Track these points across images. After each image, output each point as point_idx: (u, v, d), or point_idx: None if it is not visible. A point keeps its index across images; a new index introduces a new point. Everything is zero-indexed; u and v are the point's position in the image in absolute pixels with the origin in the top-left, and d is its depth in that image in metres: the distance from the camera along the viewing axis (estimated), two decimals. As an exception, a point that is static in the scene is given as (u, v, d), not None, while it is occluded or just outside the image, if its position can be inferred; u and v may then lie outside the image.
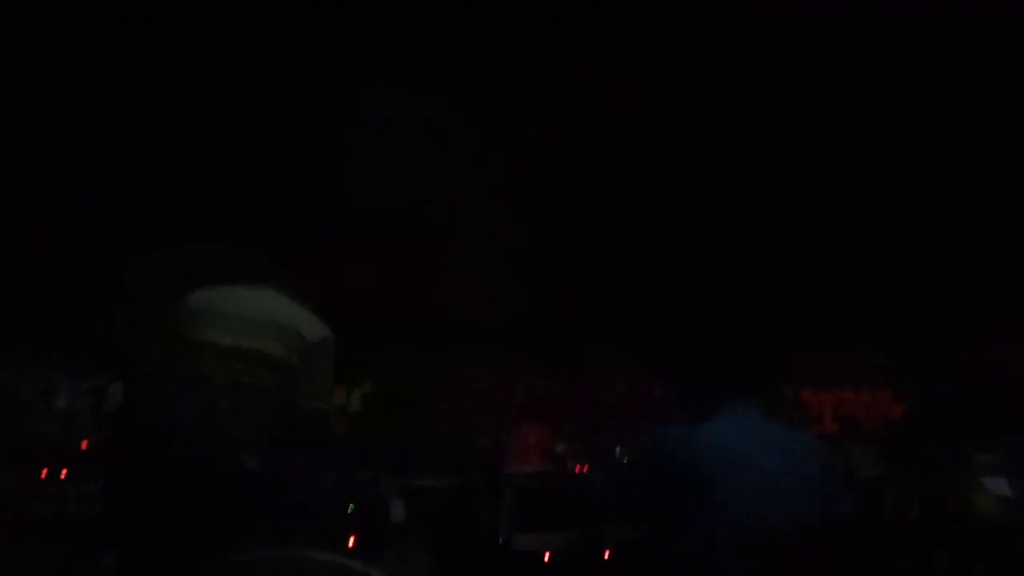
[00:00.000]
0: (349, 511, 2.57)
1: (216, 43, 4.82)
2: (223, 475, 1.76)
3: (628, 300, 5.06)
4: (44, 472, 3.61)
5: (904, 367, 5.14)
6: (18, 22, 4.67)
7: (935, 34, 5.20)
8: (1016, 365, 4.06)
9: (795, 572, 1.96)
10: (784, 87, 5.38)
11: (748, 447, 2.11)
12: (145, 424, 1.81)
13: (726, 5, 5.27)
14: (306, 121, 5.03)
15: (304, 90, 5.11)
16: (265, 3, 4.99)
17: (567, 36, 5.24)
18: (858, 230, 6.90)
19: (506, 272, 5.80)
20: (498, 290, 6.03)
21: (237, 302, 2.20)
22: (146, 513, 1.98)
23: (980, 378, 3.99)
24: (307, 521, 1.99)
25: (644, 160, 5.36)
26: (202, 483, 1.78)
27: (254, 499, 1.77)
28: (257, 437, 1.82)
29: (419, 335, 6.74)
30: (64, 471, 3.66)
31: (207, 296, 2.28)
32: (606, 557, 3.18)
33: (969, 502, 2.54)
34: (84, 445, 3.91)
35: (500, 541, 3.16)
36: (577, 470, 3.40)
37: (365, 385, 3.86)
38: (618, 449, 3.53)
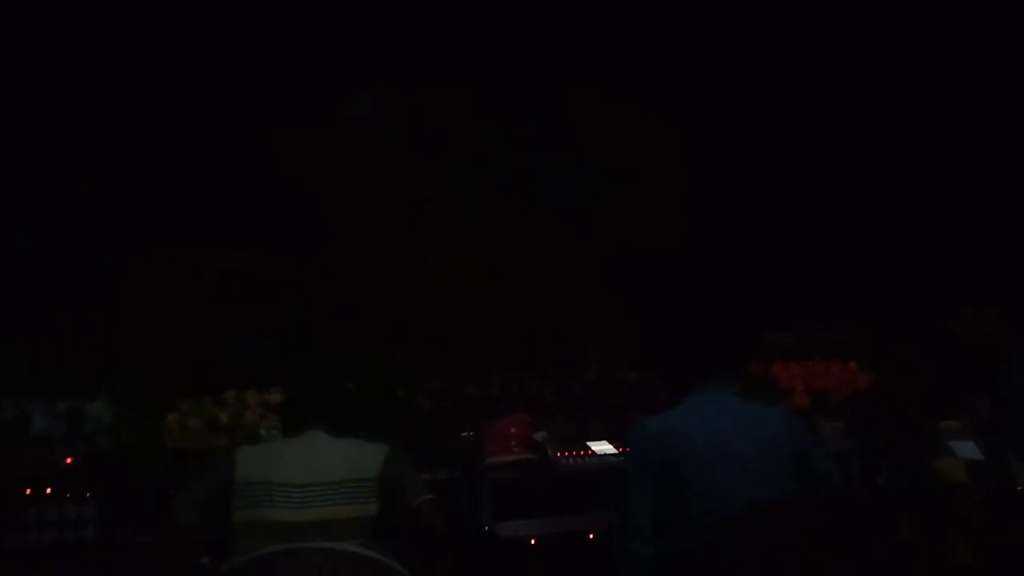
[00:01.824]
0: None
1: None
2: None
3: (598, 287, 5.14)
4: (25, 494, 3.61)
5: (871, 337, 5.26)
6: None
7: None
8: (979, 333, 4.17)
9: (777, 550, 2.02)
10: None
11: (725, 428, 2.17)
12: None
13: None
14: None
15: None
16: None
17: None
18: (823, 203, 7.03)
19: (485, 270, 5.84)
20: (479, 289, 6.08)
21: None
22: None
23: (945, 346, 4.08)
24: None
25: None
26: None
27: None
28: None
29: (399, 334, 6.77)
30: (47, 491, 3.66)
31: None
32: (591, 539, 3.27)
33: (939, 468, 2.58)
34: (67, 462, 3.90)
35: (485, 529, 3.23)
36: (558, 456, 3.47)
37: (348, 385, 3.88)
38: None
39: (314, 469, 2.24)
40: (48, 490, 3.61)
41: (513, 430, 3.49)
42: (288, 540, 1.97)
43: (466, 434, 3.68)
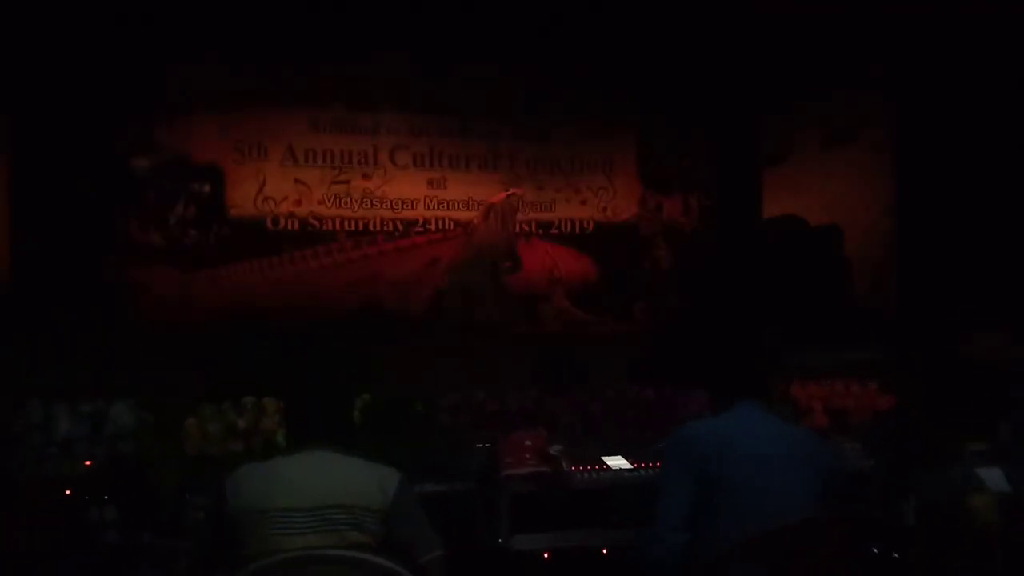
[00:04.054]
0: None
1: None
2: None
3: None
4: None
5: (892, 359, 5.23)
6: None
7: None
8: (1003, 356, 4.13)
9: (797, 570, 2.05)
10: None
11: (765, 442, 2.23)
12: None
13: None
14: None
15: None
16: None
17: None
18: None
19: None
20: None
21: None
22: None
23: (967, 369, 4.05)
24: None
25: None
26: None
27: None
28: None
29: (418, 345, 6.83)
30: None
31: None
32: (604, 554, 3.26)
33: (972, 508, 2.54)
34: (87, 464, 3.94)
35: (499, 542, 3.24)
36: (573, 470, 3.48)
37: (363, 397, 3.92)
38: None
39: (314, 492, 2.15)
40: (68, 492, 3.65)
41: (529, 443, 3.50)
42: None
43: (481, 446, 3.69)
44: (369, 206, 7.62)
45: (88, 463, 3.86)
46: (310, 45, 7.51)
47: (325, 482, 2.15)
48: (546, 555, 3.28)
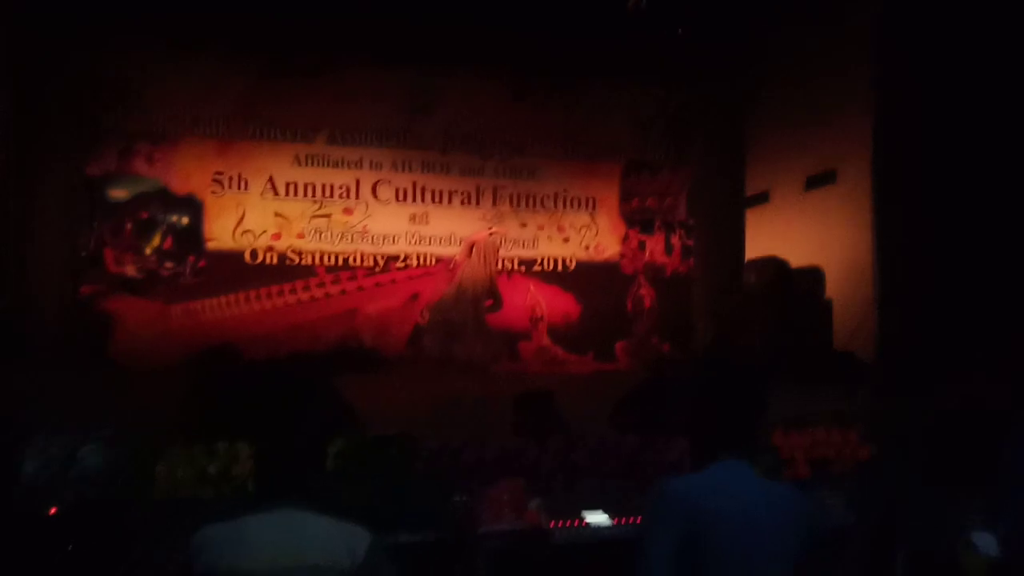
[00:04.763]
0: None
1: None
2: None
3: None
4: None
5: (873, 404, 5.21)
6: None
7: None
8: (991, 403, 4.10)
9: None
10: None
11: (748, 500, 2.19)
12: None
13: None
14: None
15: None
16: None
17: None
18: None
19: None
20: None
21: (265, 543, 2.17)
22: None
23: (955, 417, 4.01)
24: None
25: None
26: None
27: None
28: None
29: (396, 382, 6.75)
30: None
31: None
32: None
33: (964, 570, 2.50)
34: (52, 512, 3.82)
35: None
36: (552, 526, 3.40)
37: (338, 442, 3.83)
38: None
39: (282, 555, 2.09)
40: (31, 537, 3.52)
41: (507, 497, 3.42)
42: None
43: (459, 498, 3.60)
44: (350, 240, 7.58)
45: (53, 510, 3.73)
46: (293, 78, 7.50)
47: (293, 543, 2.09)
48: (524, 611, 3.20)
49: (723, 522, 2.21)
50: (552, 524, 3.41)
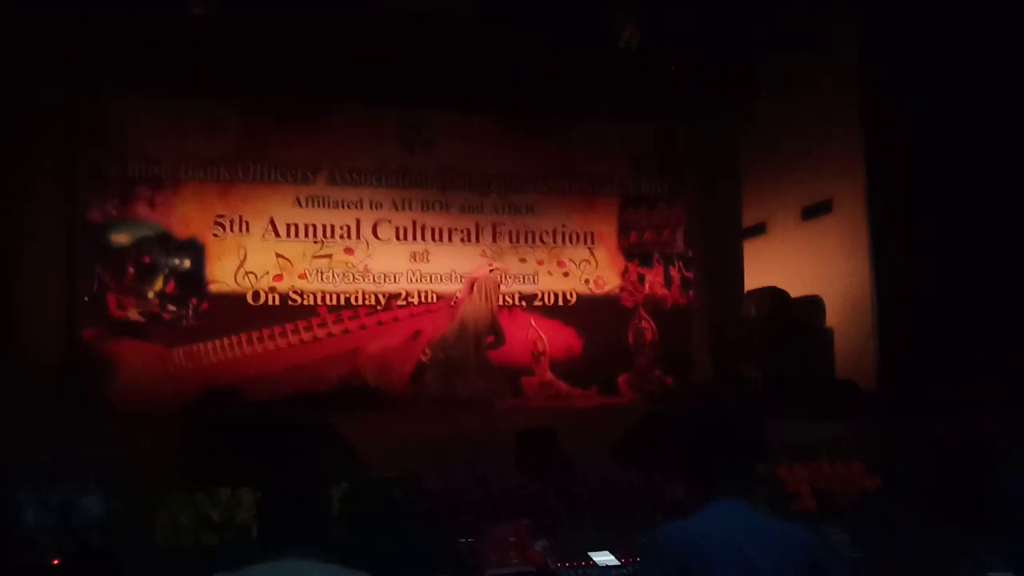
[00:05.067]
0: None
1: None
2: None
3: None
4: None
5: (876, 434, 5.19)
6: None
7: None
8: (996, 437, 4.07)
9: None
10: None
11: (744, 541, 2.16)
12: None
13: None
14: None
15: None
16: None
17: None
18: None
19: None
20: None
21: None
22: None
23: (956, 453, 3.97)
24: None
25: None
26: None
27: None
28: None
29: (399, 420, 6.73)
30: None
31: None
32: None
33: None
34: (55, 563, 3.80)
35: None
36: (558, 567, 3.38)
37: (343, 486, 3.82)
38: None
39: None
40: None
41: (512, 538, 3.40)
42: None
43: (463, 540, 3.59)
44: (351, 280, 7.61)
45: (56, 561, 3.71)
46: (291, 119, 7.59)
47: None
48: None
49: (717, 568, 2.17)
50: (559, 565, 3.38)
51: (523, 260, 7.98)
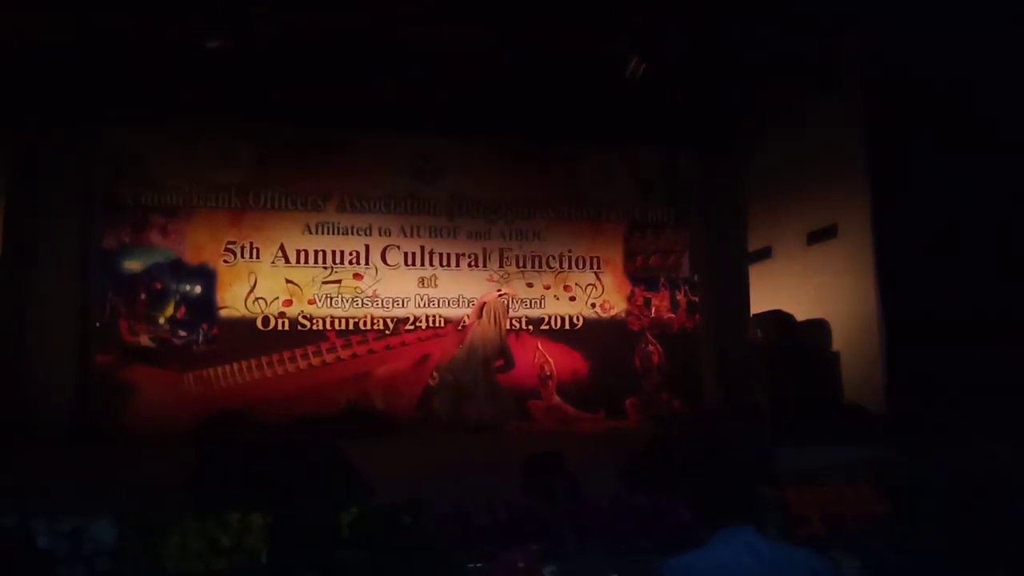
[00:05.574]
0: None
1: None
2: None
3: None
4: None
5: (883, 458, 5.18)
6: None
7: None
8: (1008, 462, 4.07)
9: None
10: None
11: (750, 570, 2.16)
12: None
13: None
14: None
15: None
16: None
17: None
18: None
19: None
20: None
21: None
22: None
23: (968, 481, 3.96)
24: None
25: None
26: None
27: None
28: None
29: (408, 444, 6.75)
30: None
31: None
32: None
33: None
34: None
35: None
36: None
37: (352, 511, 3.84)
38: None
39: None
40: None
41: (522, 564, 3.42)
42: None
43: (472, 566, 3.60)
44: (360, 305, 7.67)
45: (68, 588, 3.73)
46: (302, 148, 7.69)
47: None
48: None
49: None
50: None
51: (530, 285, 8.03)
